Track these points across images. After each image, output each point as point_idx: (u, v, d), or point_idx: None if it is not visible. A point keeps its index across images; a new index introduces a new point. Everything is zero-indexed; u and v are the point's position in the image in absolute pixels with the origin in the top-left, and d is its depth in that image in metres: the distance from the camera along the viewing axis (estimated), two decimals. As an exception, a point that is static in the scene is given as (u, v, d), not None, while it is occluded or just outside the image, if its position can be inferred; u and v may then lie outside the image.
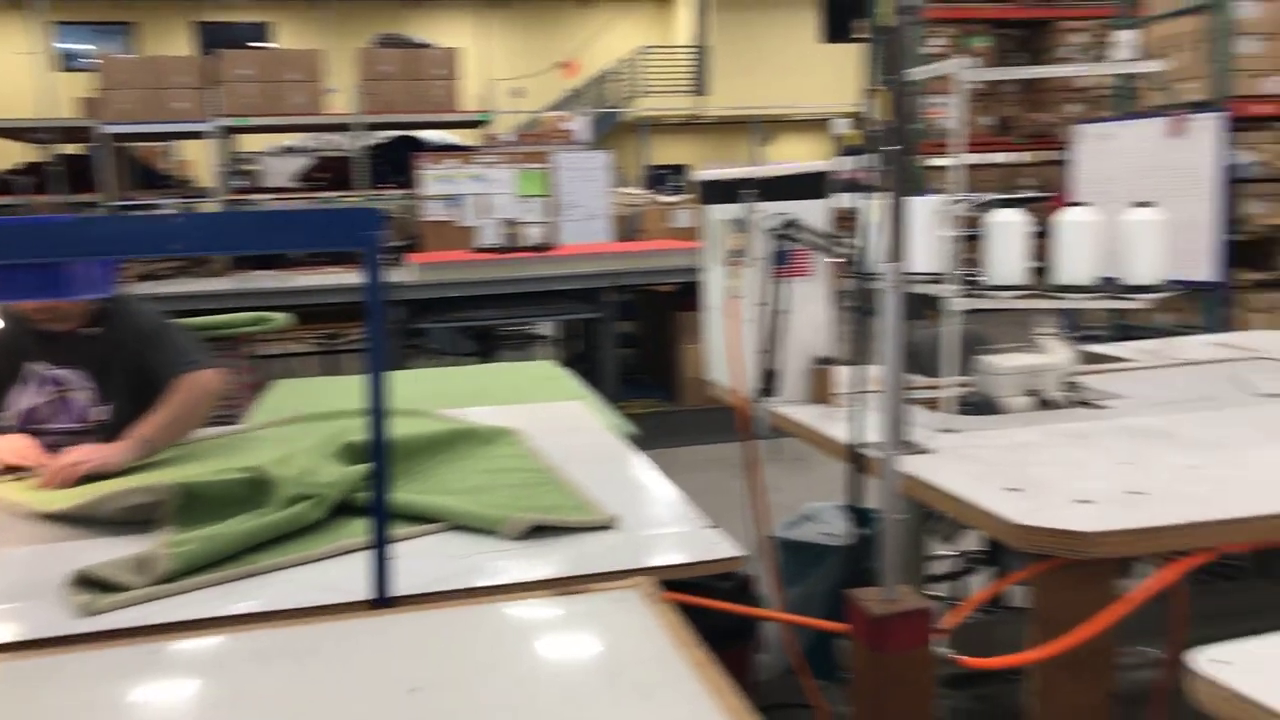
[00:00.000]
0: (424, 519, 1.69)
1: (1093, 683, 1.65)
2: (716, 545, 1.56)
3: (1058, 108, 9.85)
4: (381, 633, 1.30)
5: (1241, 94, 6.45)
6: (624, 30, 21.13)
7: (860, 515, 2.65)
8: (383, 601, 1.36)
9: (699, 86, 20.36)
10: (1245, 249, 6.68)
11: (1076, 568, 1.62)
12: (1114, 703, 1.91)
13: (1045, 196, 9.39)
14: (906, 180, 2.09)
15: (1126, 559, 1.83)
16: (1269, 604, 2.53)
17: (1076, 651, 1.58)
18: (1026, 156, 10.20)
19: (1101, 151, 6.70)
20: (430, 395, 2.87)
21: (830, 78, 18.42)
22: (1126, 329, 6.34)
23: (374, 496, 1.38)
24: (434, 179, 6.80)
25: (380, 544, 1.37)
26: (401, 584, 1.41)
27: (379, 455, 1.38)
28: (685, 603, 1.45)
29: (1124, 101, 7.23)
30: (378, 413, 1.36)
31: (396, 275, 5.65)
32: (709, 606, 1.54)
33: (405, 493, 1.77)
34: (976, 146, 10.25)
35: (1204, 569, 2.29)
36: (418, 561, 1.53)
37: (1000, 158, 10.34)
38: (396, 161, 7.62)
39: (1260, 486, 1.79)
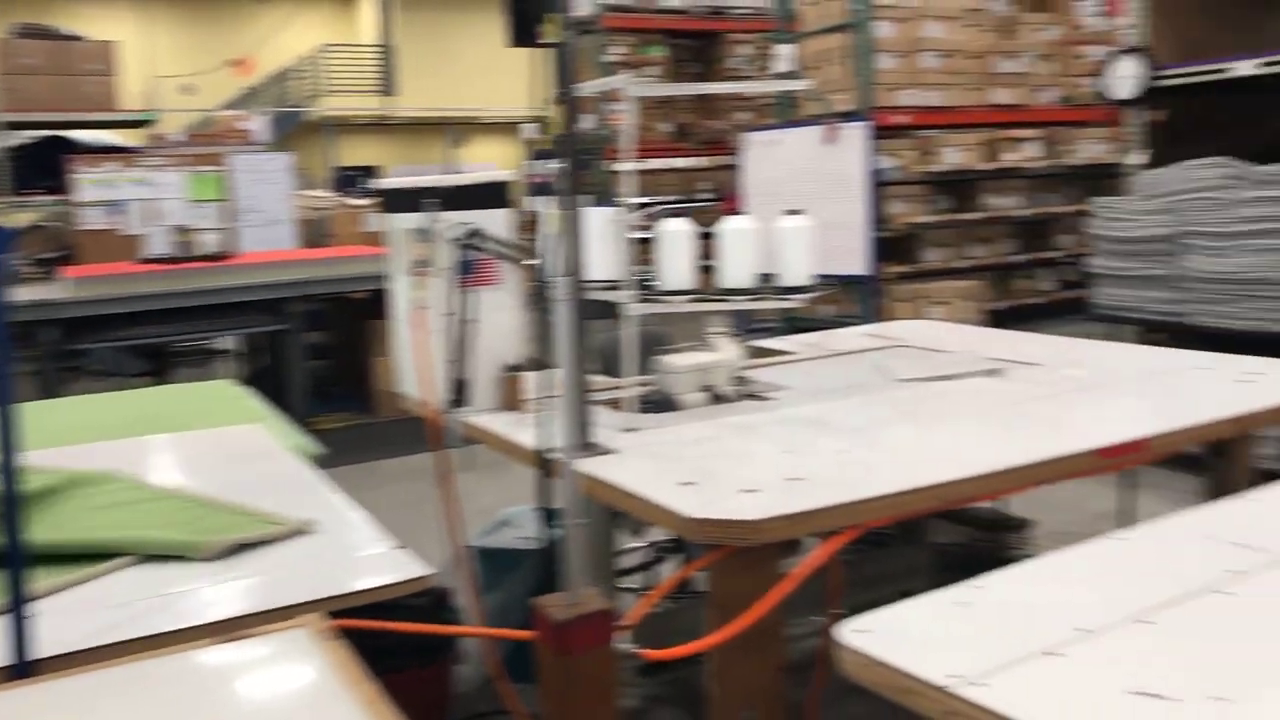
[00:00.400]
0: (87, 558, 1.55)
1: (764, 659, 1.78)
2: (402, 566, 1.54)
3: (729, 115, 10.51)
4: (18, 707, 1.17)
5: (882, 105, 7.16)
6: (303, 27, 20.25)
7: (554, 517, 2.71)
8: (22, 668, 1.23)
9: (386, 86, 19.90)
10: (891, 244, 7.44)
11: (746, 553, 1.74)
12: (785, 672, 2.08)
13: (719, 199, 10.00)
14: (585, 188, 2.16)
15: (792, 540, 1.99)
16: (913, 567, 2.85)
17: (748, 631, 1.70)
18: (704, 161, 10.80)
19: (768, 157, 7.22)
20: (86, 425, 2.62)
21: (522, 80, 18.57)
22: (795, 321, 6.88)
23: (8, 545, 1.25)
24: (91, 183, 6.21)
25: (18, 602, 1.24)
26: (50, 642, 1.28)
27: (10, 500, 1.25)
28: (369, 629, 1.42)
29: (786, 110, 7.81)
30: (8, 454, 1.23)
31: (49, 291, 5.11)
32: (397, 630, 1.51)
33: (48, 534, 1.61)
34: (657, 152, 10.74)
35: (860, 539, 2.53)
36: (69, 616, 1.40)
37: (680, 163, 10.89)
38: (46, 164, 6.89)
39: (897, 465, 2.00)
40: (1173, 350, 2.97)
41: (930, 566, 2.91)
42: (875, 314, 6.70)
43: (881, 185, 7.01)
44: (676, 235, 2.42)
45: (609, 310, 2.54)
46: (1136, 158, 4.90)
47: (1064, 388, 2.55)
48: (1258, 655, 1.18)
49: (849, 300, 7.33)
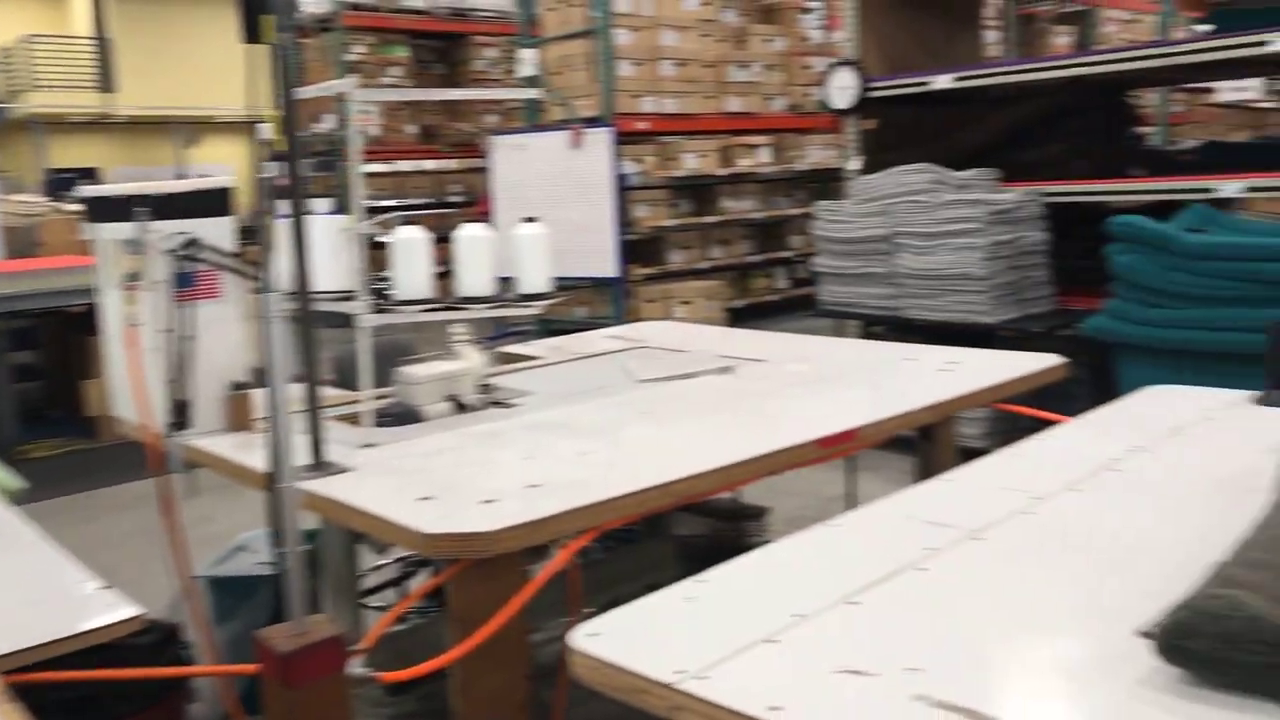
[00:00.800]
0: None
1: (509, 668, 1.77)
2: (108, 607, 1.43)
3: (477, 118, 10.45)
4: None
5: (625, 111, 7.34)
6: (1, 16, 18.34)
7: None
8: None
9: (104, 82, 18.37)
10: (638, 247, 7.64)
11: (486, 564, 1.73)
12: (537, 677, 2.09)
13: (470, 202, 9.93)
14: (319, 193, 2.07)
15: (539, 545, 2.00)
16: (660, 561, 2.92)
17: (491, 642, 1.69)
18: (453, 164, 10.70)
19: (516, 160, 7.23)
20: None
21: (263, 78, 17.59)
22: (548, 324, 6.93)
23: None
24: None
25: None
26: None
27: None
28: (68, 679, 1.31)
29: (533, 114, 7.84)
30: None
31: None
32: (105, 677, 1.40)
33: None
34: (405, 154, 10.53)
35: (609, 536, 2.56)
36: None
37: (429, 165, 10.74)
38: None
39: (636, 465, 2.05)
40: (886, 344, 3.22)
41: (676, 559, 3.00)
42: (624, 314, 6.85)
43: (626, 189, 7.17)
44: (410, 243, 2.37)
45: (348, 321, 2.46)
46: (854, 163, 5.27)
47: (787, 382, 2.70)
48: (946, 626, 1.29)
49: (600, 301, 7.46)
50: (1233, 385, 2.27)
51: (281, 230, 2.16)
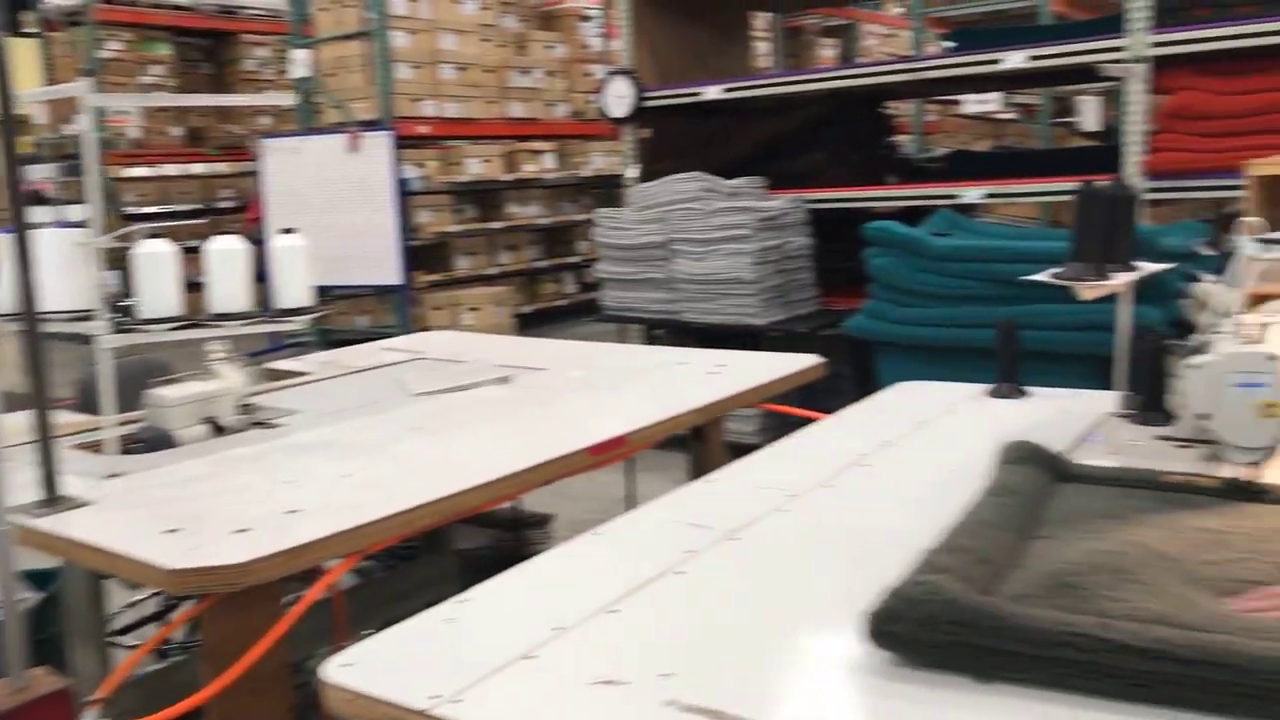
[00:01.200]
0: None
1: (270, 703, 1.70)
2: None
3: (248, 120, 9.98)
4: None
5: (404, 115, 7.19)
6: None
7: (38, 578, 2.39)
8: None
9: None
10: (423, 253, 7.50)
11: (240, 596, 1.64)
12: (303, 708, 2.00)
13: (243, 207, 9.47)
14: (31, 203, 1.91)
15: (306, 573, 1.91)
16: (443, 576, 2.88)
17: (248, 677, 1.61)
18: (224, 168, 10.17)
19: (290, 164, 6.95)
20: None
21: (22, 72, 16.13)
22: (329, 334, 6.70)
23: None
24: None
25: None
26: None
27: None
28: None
29: (307, 116, 7.56)
30: None
31: None
32: None
33: None
34: (170, 158, 9.93)
35: (389, 553, 2.48)
36: None
37: (198, 169, 10.17)
38: None
39: (405, 482, 2.00)
40: (662, 348, 3.29)
41: (459, 573, 2.96)
42: (410, 322, 6.71)
43: (408, 194, 7.03)
44: (154, 257, 2.22)
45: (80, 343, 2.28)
46: (632, 171, 5.36)
47: (565, 390, 2.71)
48: (701, 629, 1.32)
49: (384, 310, 7.28)
50: (977, 379, 2.44)
51: (3, 245, 1.98)
